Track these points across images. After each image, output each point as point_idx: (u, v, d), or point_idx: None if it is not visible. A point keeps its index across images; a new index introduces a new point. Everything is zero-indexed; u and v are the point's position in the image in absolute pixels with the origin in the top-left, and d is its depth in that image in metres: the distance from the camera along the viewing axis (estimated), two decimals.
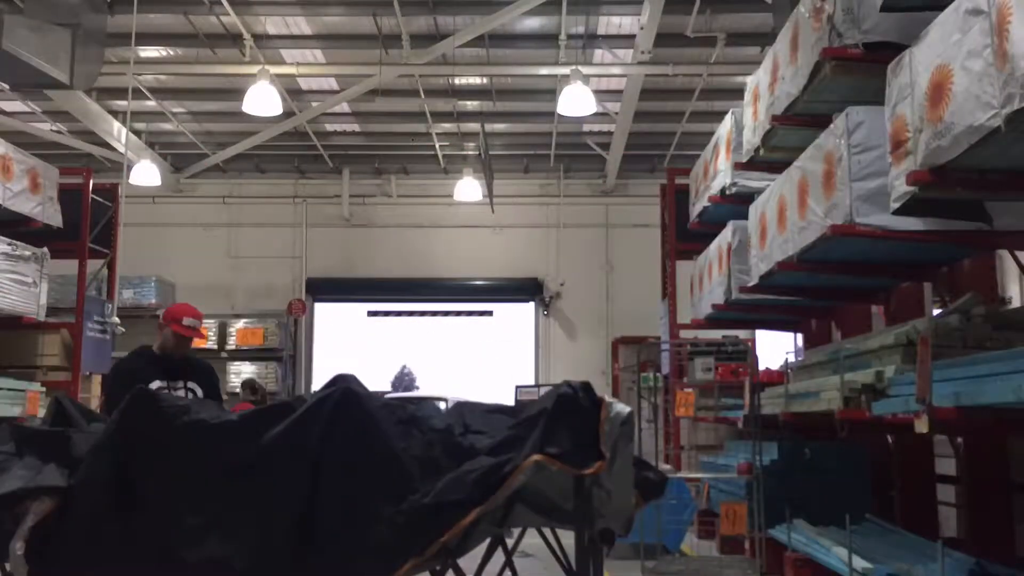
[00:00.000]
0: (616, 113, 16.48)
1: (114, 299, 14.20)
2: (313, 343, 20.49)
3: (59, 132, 18.18)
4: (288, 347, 19.35)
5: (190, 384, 6.04)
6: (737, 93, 11.15)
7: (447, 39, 13.98)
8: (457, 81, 16.28)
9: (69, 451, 3.84)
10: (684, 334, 13.59)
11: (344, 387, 3.78)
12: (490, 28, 13.77)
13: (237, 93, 15.12)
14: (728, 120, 10.30)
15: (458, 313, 20.71)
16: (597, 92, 15.27)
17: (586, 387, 3.74)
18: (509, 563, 4.35)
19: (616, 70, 15.23)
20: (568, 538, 4.59)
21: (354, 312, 20.81)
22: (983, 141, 4.48)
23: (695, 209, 12.04)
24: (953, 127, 4.70)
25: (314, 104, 17.07)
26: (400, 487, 3.49)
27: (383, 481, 3.52)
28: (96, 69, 12.40)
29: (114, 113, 16.50)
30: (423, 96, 16.56)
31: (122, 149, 15.12)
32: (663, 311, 13.97)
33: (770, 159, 8.57)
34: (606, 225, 21.01)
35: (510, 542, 4.55)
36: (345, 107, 17.49)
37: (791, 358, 10.53)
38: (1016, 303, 11.82)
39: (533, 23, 14.43)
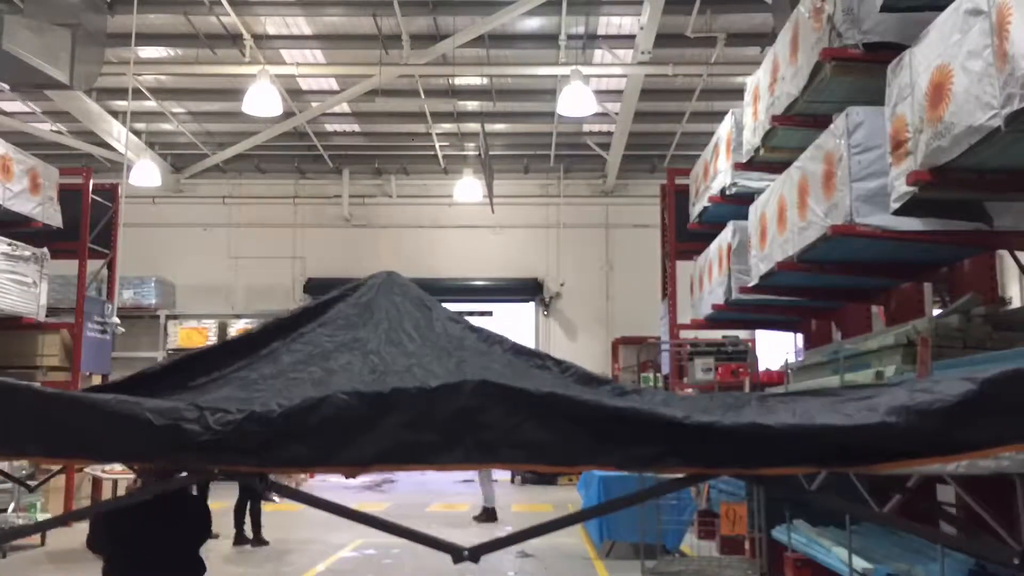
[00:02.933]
0: (616, 113, 16.48)
1: (114, 299, 14.21)
2: None
3: (59, 132, 18.18)
4: None
5: None
6: (737, 93, 11.16)
7: (447, 39, 13.99)
8: (457, 81, 16.29)
9: None
10: (684, 334, 13.58)
11: None
12: (490, 28, 13.79)
13: (237, 93, 15.13)
14: (728, 120, 10.29)
15: (458, 313, 20.74)
16: (597, 92, 15.27)
17: None
18: None
19: (616, 70, 15.24)
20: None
21: None
22: (983, 141, 4.48)
23: (695, 209, 12.03)
24: (953, 127, 4.70)
25: (314, 104, 17.08)
26: None
27: None
28: (96, 69, 12.41)
29: (114, 113, 16.50)
30: (423, 96, 16.56)
31: (122, 149, 15.13)
32: (663, 311, 13.95)
33: (770, 159, 8.57)
34: (606, 225, 21.02)
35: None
36: (345, 107, 17.49)
37: (791, 358, 10.52)
38: (1016, 303, 11.82)
39: (533, 23, 14.44)
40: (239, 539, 11.20)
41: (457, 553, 2.57)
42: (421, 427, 2.59)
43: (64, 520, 7.94)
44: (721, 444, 2.49)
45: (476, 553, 2.56)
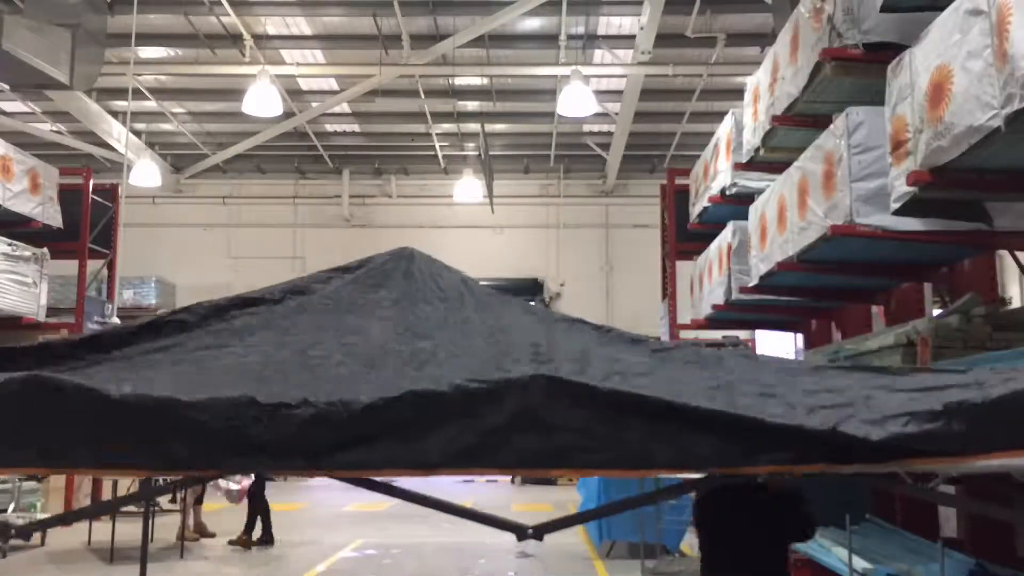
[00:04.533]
0: (616, 113, 16.48)
1: (114, 299, 14.21)
2: None
3: (59, 132, 18.18)
4: None
5: None
6: (737, 93, 11.15)
7: (447, 39, 13.99)
8: (457, 81, 16.28)
9: None
10: (684, 334, 13.59)
11: None
12: (490, 28, 13.79)
13: (237, 93, 15.13)
14: (728, 120, 10.29)
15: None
16: (597, 92, 15.27)
17: None
18: None
19: (616, 70, 15.24)
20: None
21: None
22: (983, 141, 4.48)
23: (695, 209, 12.03)
24: (953, 127, 4.70)
25: (314, 104, 17.08)
26: None
27: None
28: (96, 69, 12.40)
29: (114, 113, 16.51)
30: (423, 96, 16.56)
31: (122, 149, 15.13)
32: (663, 311, 13.95)
33: (770, 159, 8.56)
34: (606, 225, 21.01)
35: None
36: (345, 107, 17.49)
37: (791, 358, 10.51)
38: (1016, 303, 11.82)
39: (533, 23, 14.44)
40: (240, 539, 11.21)
41: (521, 531, 2.68)
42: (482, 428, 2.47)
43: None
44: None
45: (540, 532, 2.68)
